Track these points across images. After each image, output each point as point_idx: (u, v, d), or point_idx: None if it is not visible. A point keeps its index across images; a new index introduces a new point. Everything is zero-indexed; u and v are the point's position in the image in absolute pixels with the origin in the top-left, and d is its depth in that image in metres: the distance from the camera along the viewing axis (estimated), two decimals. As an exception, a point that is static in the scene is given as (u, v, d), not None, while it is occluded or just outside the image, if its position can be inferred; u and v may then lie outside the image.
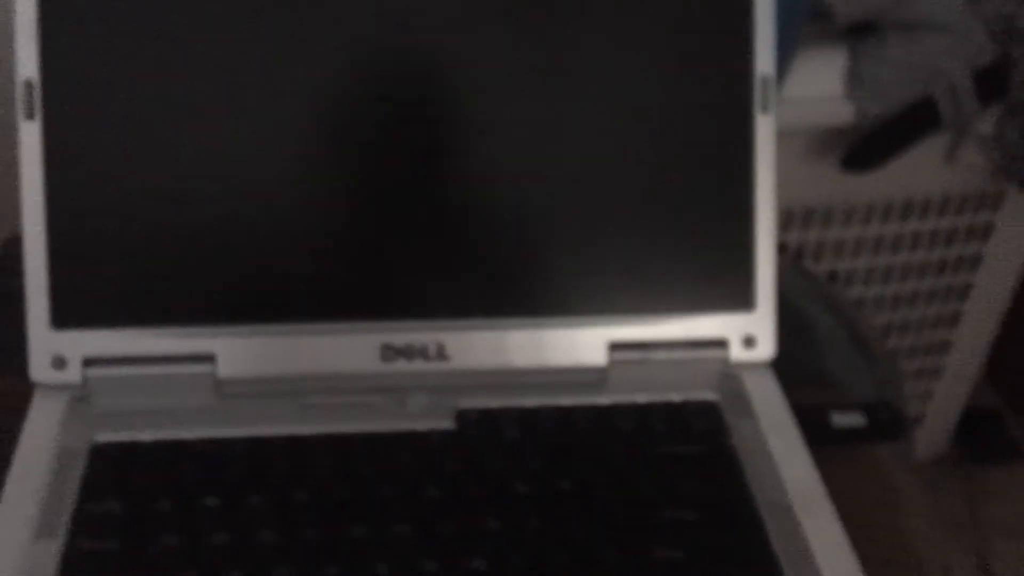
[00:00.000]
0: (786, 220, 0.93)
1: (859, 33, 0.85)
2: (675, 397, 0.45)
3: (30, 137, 0.42)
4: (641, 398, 0.45)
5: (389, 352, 0.44)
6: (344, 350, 0.44)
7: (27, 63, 0.42)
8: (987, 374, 1.26)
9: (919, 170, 0.92)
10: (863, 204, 0.95)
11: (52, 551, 0.37)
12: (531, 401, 0.44)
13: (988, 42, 0.84)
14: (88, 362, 0.43)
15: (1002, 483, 1.33)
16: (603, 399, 0.45)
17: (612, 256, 0.45)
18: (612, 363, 0.45)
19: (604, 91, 0.45)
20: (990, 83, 0.84)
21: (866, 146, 0.87)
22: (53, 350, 0.43)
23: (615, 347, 0.45)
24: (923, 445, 1.24)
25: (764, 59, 0.45)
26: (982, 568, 1.21)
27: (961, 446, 1.34)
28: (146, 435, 0.42)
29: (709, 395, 0.45)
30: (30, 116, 0.42)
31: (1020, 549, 1.25)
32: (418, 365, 0.44)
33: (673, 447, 0.43)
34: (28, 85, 0.42)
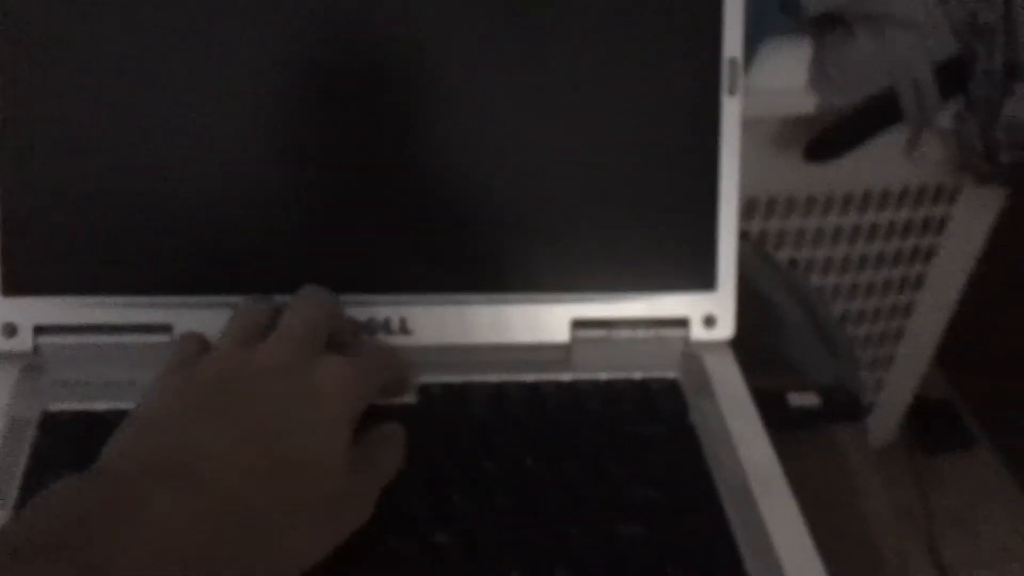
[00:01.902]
0: (749, 208, 0.94)
1: (825, 25, 0.86)
2: (637, 375, 0.45)
3: (-21, 102, 0.41)
4: (604, 375, 0.45)
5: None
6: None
7: (-24, 23, 0.41)
8: (940, 366, 1.28)
9: (879, 162, 0.93)
10: (824, 194, 0.96)
11: (1, 518, 0.36)
12: (494, 377, 0.44)
13: (951, 37, 0.85)
14: (39, 330, 0.42)
15: (951, 472, 1.35)
16: (566, 376, 0.45)
17: (576, 235, 0.45)
18: (575, 340, 0.45)
19: (571, 71, 0.44)
20: (951, 78, 0.85)
21: (828, 137, 0.87)
22: (3, 317, 0.42)
23: (578, 324, 0.45)
24: (874, 434, 1.26)
25: (732, 42, 0.45)
26: (933, 556, 1.24)
27: (913, 436, 1.36)
28: (100, 404, 0.41)
29: (670, 373, 0.46)
30: (-21, 80, 0.41)
31: (969, 537, 1.27)
32: (380, 339, 0.44)
33: (635, 424, 0.43)
34: (-21, 46, 0.41)
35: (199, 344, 0.39)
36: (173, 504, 0.30)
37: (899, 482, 1.31)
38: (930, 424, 1.37)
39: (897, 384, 1.21)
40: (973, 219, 1.04)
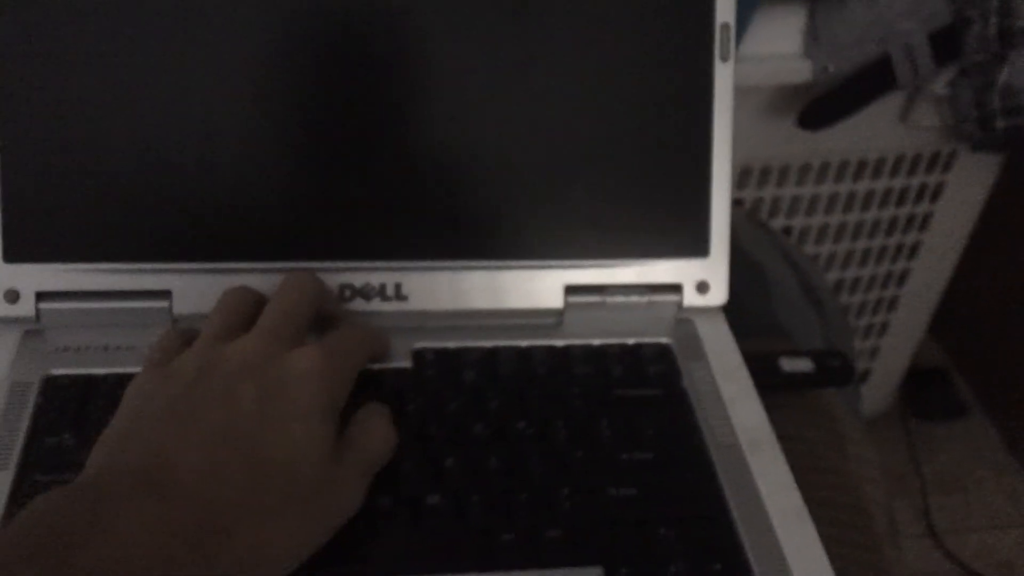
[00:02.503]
0: (743, 177, 0.94)
1: (819, -9, 0.85)
2: (630, 340, 0.46)
3: (-21, 68, 0.41)
4: (596, 341, 0.45)
5: (347, 291, 0.44)
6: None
7: (-24, -10, 0.41)
8: (934, 334, 1.29)
9: (874, 129, 0.93)
10: (818, 162, 0.96)
11: (4, 481, 0.37)
12: (488, 342, 0.45)
13: (945, 4, 0.84)
14: (41, 296, 0.43)
15: (944, 439, 1.36)
16: (559, 341, 0.45)
17: (569, 201, 0.46)
18: (568, 306, 0.46)
19: (563, 37, 0.45)
20: (945, 44, 0.85)
21: (822, 104, 0.87)
22: (5, 283, 0.42)
23: (571, 290, 0.46)
24: (868, 402, 1.26)
25: (724, 7, 0.45)
26: (925, 522, 1.25)
27: (907, 403, 1.37)
28: (100, 369, 0.41)
29: (663, 338, 0.46)
30: (-20, 46, 0.41)
31: (960, 503, 1.28)
32: (376, 305, 0.45)
33: (627, 388, 0.43)
34: (-22, 13, 0.41)
35: (177, 340, 0.39)
36: (145, 512, 0.30)
37: (892, 449, 1.32)
38: (924, 392, 1.38)
39: (892, 352, 1.21)
40: (968, 186, 1.04)
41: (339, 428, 0.36)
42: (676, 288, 0.46)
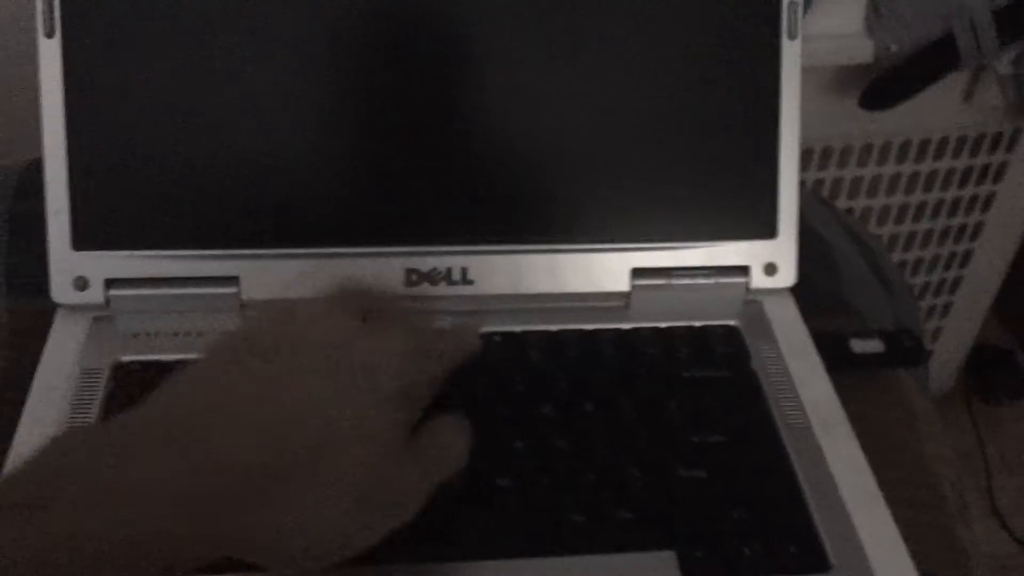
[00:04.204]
0: (805, 158, 0.93)
1: (880, -31, 0.84)
2: (697, 322, 0.45)
3: (50, 55, 0.42)
4: (663, 323, 0.45)
5: (413, 276, 0.44)
6: (369, 274, 0.44)
7: (47, -21, 0.41)
8: (998, 314, 1.27)
9: (937, 109, 0.91)
10: (881, 142, 0.94)
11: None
12: (554, 326, 0.44)
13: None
14: (110, 283, 0.43)
15: (1008, 420, 1.34)
16: (625, 324, 0.45)
17: (635, 183, 0.45)
18: (635, 289, 0.45)
19: (630, 15, 0.44)
20: (1011, 21, 0.83)
21: (885, 84, 0.86)
22: (75, 271, 0.43)
23: (638, 273, 0.45)
24: (932, 382, 1.24)
25: (791, -15, 0.45)
26: (990, 504, 1.23)
27: (970, 383, 1.35)
28: (169, 355, 0.42)
29: (730, 320, 0.45)
30: (50, 34, 0.42)
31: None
32: (442, 289, 0.45)
33: (695, 370, 0.43)
34: (47, 1, 0.41)
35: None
36: (160, 464, 0.28)
37: (957, 429, 1.30)
38: (988, 372, 1.35)
39: (955, 333, 1.19)
40: (1033, 166, 1.01)
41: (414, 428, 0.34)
42: (744, 270, 0.46)
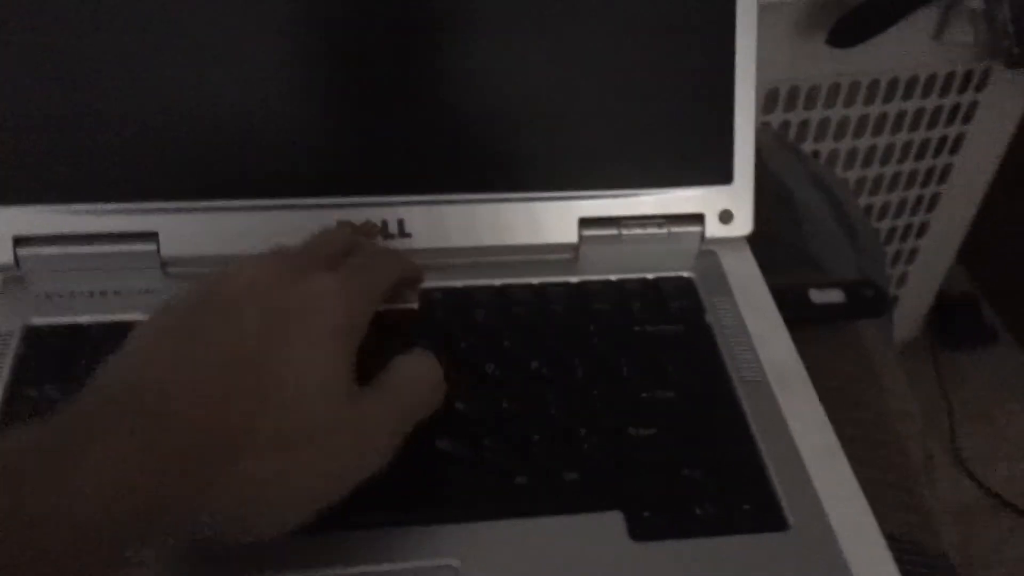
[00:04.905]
0: (770, 98, 0.90)
1: (848, -101, 0.81)
2: (649, 274, 0.43)
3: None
4: (614, 276, 0.43)
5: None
6: (297, 227, 0.41)
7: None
8: (963, 261, 1.26)
9: (906, 46, 0.89)
10: (848, 82, 0.92)
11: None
12: (498, 280, 0.42)
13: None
14: (19, 241, 0.40)
15: (973, 368, 1.34)
16: (574, 277, 0.43)
17: (582, 128, 0.43)
18: (583, 240, 0.43)
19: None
20: (981, -44, 0.81)
21: (853, 21, 0.83)
22: (-19, 228, 0.40)
23: (586, 223, 0.43)
24: (897, 329, 1.24)
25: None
26: (953, 451, 1.23)
27: (935, 331, 1.35)
28: (84, 317, 0.39)
29: (684, 272, 0.44)
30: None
31: (988, 431, 1.27)
32: (378, 243, 0.42)
33: (647, 325, 0.41)
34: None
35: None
36: (127, 438, 0.27)
37: (921, 377, 1.30)
38: (953, 319, 1.35)
39: (921, 279, 1.19)
40: (1002, 106, 1.00)
41: (363, 365, 0.32)
42: (698, 218, 0.44)
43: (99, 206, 0.40)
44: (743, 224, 0.44)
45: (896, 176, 1.03)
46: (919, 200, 1.08)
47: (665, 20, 0.42)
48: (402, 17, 0.41)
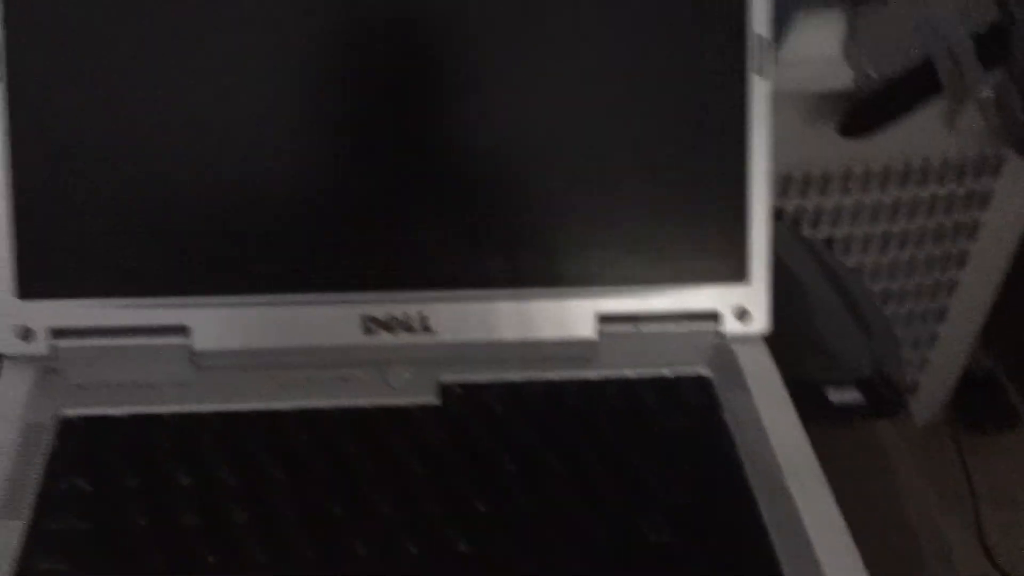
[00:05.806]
0: (783, 186, 0.92)
1: (859, -6, 0.83)
2: (666, 371, 0.44)
3: (-7, 99, 0.40)
4: (631, 372, 0.43)
5: (371, 324, 0.43)
6: (324, 322, 0.42)
7: (-13, 20, 0.40)
8: (984, 341, 1.25)
9: (918, 135, 0.90)
10: (861, 170, 0.93)
11: (16, 531, 0.36)
12: (518, 375, 0.43)
13: (990, 4, 0.81)
14: (56, 333, 0.41)
15: (996, 450, 1.32)
16: (592, 373, 0.43)
17: (601, 226, 0.44)
18: (601, 336, 0.44)
19: (594, 53, 0.43)
20: (991, 46, 0.82)
21: (864, 111, 0.85)
22: (19, 321, 0.41)
23: (604, 319, 0.44)
24: (918, 412, 1.23)
25: (759, 19, 0.43)
26: (978, 539, 1.21)
27: (957, 413, 1.33)
28: (117, 409, 0.40)
29: (701, 369, 0.44)
30: (-6, 78, 0.40)
31: (1014, 517, 1.24)
32: (401, 338, 0.43)
33: (665, 423, 0.41)
34: (-10, 44, 0.40)
35: None
36: None
37: (943, 461, 1.28)
38: (974, 401, 1.34)
39: (942, 363, 1.18)
40: (1017, 192, 1.00)
41: None
42: (714, 316, 0.44)
43: (132, 300, 0.42)
44: (759, 322, 0.44)
45: (912, 261, 1.04)
46: (937, 285, 1.08)
47: (681, 121, 0.43)
48: (430, 118, 0.42)
